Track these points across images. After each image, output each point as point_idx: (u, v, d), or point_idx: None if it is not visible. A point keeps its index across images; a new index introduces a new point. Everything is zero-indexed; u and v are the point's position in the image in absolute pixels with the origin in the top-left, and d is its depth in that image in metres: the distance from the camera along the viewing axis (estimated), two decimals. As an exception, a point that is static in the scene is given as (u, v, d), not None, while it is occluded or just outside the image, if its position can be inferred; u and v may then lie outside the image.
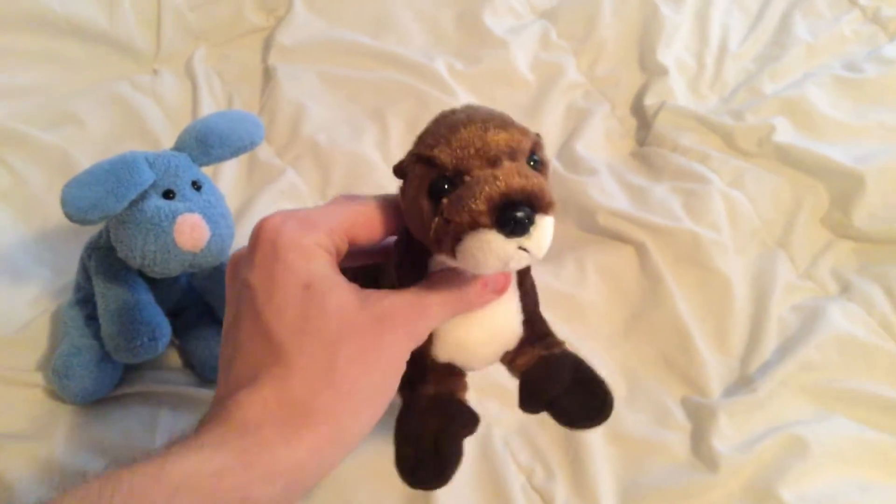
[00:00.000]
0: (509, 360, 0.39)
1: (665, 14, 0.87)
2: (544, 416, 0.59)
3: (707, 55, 0.88)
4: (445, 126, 0.32)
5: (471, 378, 0.55)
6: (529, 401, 0.39)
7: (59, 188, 0.66)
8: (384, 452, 0.37)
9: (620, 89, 0.84)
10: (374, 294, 0.32)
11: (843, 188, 0.74)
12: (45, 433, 0.52)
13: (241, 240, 0.60)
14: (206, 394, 0.56)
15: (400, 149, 0.76)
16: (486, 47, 0.83)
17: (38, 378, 0.54)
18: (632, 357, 0.64)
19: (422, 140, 0.33)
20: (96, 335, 0.52)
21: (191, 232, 0.46)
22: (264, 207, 0.68)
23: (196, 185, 0.49)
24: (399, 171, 0.34)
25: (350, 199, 0.35)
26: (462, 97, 0.79)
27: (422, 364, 0.37)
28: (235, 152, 0.52)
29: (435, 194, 0.31)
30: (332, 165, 0.73)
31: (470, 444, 0.54)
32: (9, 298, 0.59)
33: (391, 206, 0.35)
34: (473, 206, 0.30)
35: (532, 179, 0.31)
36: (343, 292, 0.31)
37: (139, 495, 0.26)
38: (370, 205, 0.35)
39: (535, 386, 0.39)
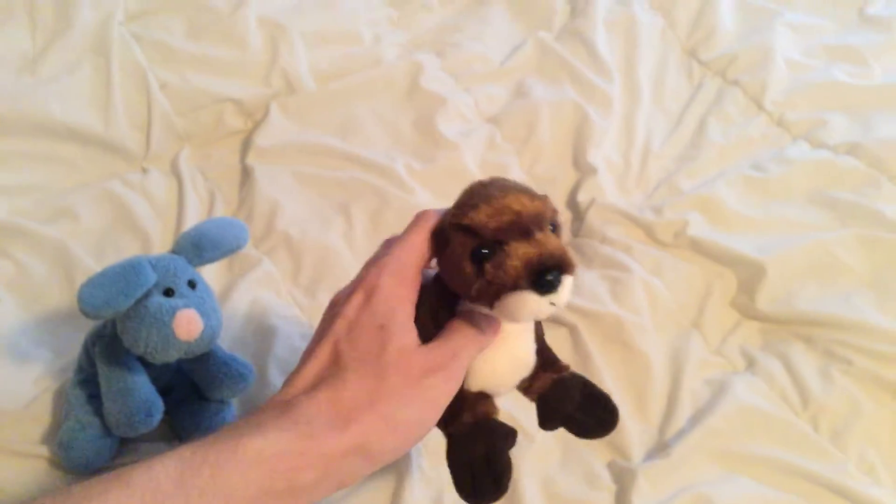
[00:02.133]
0: (525, 386, 0.46)
1: (594, 120, 0.98)
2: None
3: (633, 155, 0.99)
4: (481, 198, 0.39)
5: (426, 446, 0.63)
6: (547, 419, 0.46)
7: (58, 278, 0.75)
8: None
9: (557, 186, 0.94)
10: (436, 349, 0.39)
11: (748, 275, 0.83)
12: None
13: (223, 321, 0.68)
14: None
15: (364, 238, 0.84)
16: (440, 149, 0.93)
17: (44, 450, 0.60)
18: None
19: (460, 210, 0.40)
20: (98, 412, 0.59)
21: (187, 325, 0.54)
22: (243, 293, 0.75)
23: (191, 284, 0.57)
24: (440, 236, 0.41)
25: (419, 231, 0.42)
26: (419, 193, 0.89)
27: (458, 397, 0.42)
28: (225, 254, 0.60)
29: (476, 259, 0.38)
30: (303, 255, 0.80)
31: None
32: (14, 378, 0.65)
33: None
34: (514, 271, 0.37)
35: (558, 247, 0.38)
36: (407, 339, 0.38)
37: (222, 465, 0.32)
38: (422, 241, 0.42)
39: (552, 406, 0.46)
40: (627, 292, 0.81)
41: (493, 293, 0.38)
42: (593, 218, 0.89)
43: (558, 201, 0.93)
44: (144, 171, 0.87)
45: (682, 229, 0.88)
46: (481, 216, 0.38)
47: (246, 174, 0.88)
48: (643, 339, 0.77)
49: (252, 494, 0.33)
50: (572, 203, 0.93)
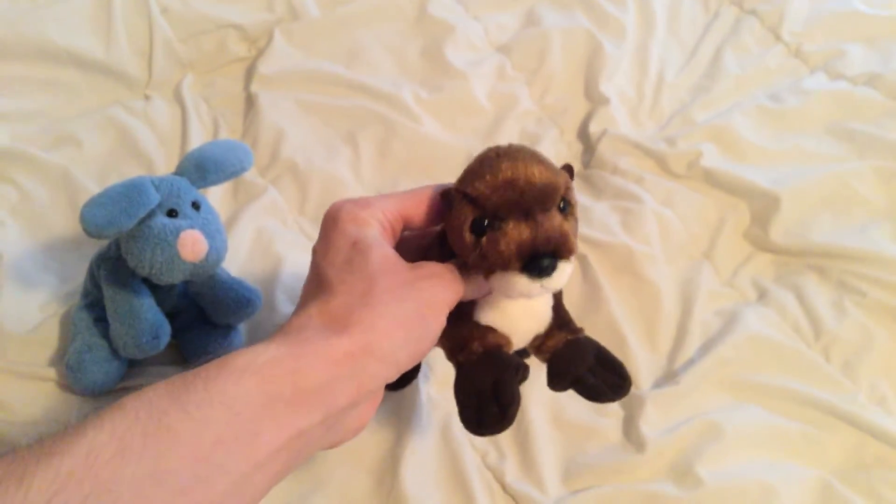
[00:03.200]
0: (538, 343, 0.45)
1: (608, 50, 0.96)
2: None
3: (646, 86, 0.97)
4: (490, 167, 0.38)
5: (434, 374, 0.63)
6: (557, 378, 0.45)
7: (62, 204, 0.74)
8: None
9: (568, 117, 0.92)
10: (415, 262, 0.39)
11: (762, 207, 0.82)
12: (57, 421, 0.58)
13: (229, 249, 0.67)
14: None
15: (371, 168, 0.83)
16: (448, 78, 0.91)
17: (51, 373, 0.60)
18: (573, 354, 0.72)
19: (468, 176, 0.39)
20: (105, 335, 0.59)
21: (192, 245, 0.53)
22: (248, 222, 0.75)
23: (195, 205, 0.56)
24: (446, 200, 0.40)
25: (408, 191, 0.43)
26: (427, 122, 0.87)
27: (468, 326, 0.42)
28: (228, 177, 0.59)
29: (476, 230, 0.38)
30: (309, 184, 0.80)
31: (432, 431, 0.63)
32: (21, 303, 0.65)
33: (436, 199, 0.42)
34: (506, 253, 0.36)
35: (558, 230, 0.37)
36: (385, 250, 0.38)
37: (213, 377, 0.32)
38: (421, 195, 0.42)
39: (563, 365, 0.45)
40: (638, 223, 0.79)
41: (487, 267, 0.38)
42: (604, 149, 0.87)
43: (570, 132, 0.91)
44: (147, 98, 0.85)
45: (696, 160, 0.86)
46: (485, 188, 0.37)
47: (250, 102, 0.87)
48: (653, 269, 0.77)
49: (256, 402, 0.32)
50: (583, 134, 0.91)
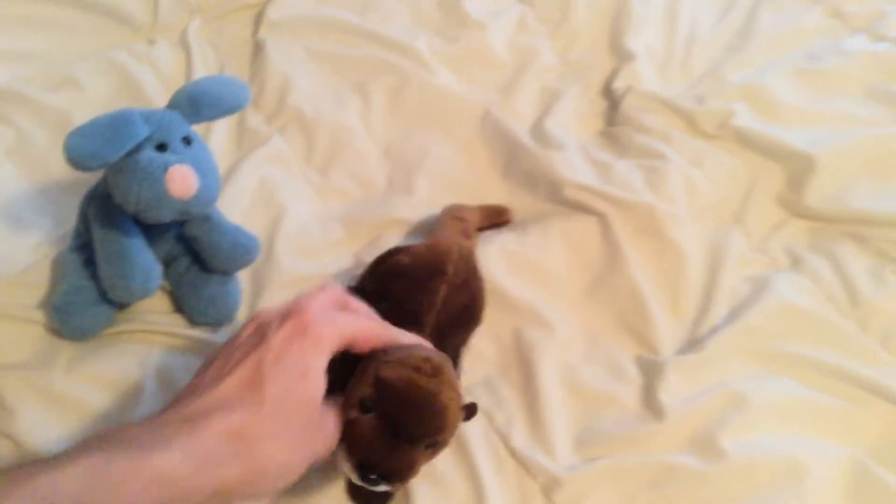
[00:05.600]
0: None
1: (635, 3, 0.91)
2: (508, 369, 0.64)
3: (676, 42, 0.92)
4: (413, 369, 0.44)
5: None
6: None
7: (60, 147, 0.71)
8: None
9: (592, 72, 0.87)
10: (326, 403, 0.41)
11: (797, 170, 0.77)
12: (45, 365, 0.56)
13: (230, 198, 0.64)
14: (193, 334, 0.60)
15: (381, 120, 0.80)
16: (466, 28, 0.87)
17: (39, 316, 0.58)
18: (592, 319, 0.68)
19: (392, 355, 0.45)
20: (93, 277, 0.56)
21: (181, 181, 0.50)
22: (251, 170, 0.71)
23: (187, 141, 0.53)
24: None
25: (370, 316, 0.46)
26: (442, 74, 0.83)
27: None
28: (223, 113, 0.56)
29: (361, 405, 0.43)
30: (316, 134, 0.76)
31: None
32: (12, 244, 0.62)
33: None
34: (354, 447, 0.42)
35: (407, 464, 0.42)
36: (319, 392, 0.40)
37: (126, 482, 0.33)
38: (382, 333, 0.45)
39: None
40: (663, 181, 0.75)
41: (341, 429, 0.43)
42: (629, 105, 0.83)
43: (593, 88, 0.87)
44: (151, 42, 0.82)
45: (727, 119, 0.81)
46: (394, 385, 0.43)
47: (257, 48, 0.83)
48: (678, 230, 0.72)
49: None
50: (608, 90, 0.86)
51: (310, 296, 0.43)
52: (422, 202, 0.74)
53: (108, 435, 0.36)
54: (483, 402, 0.61)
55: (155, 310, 0.61)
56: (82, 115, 0.72)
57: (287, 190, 0.71)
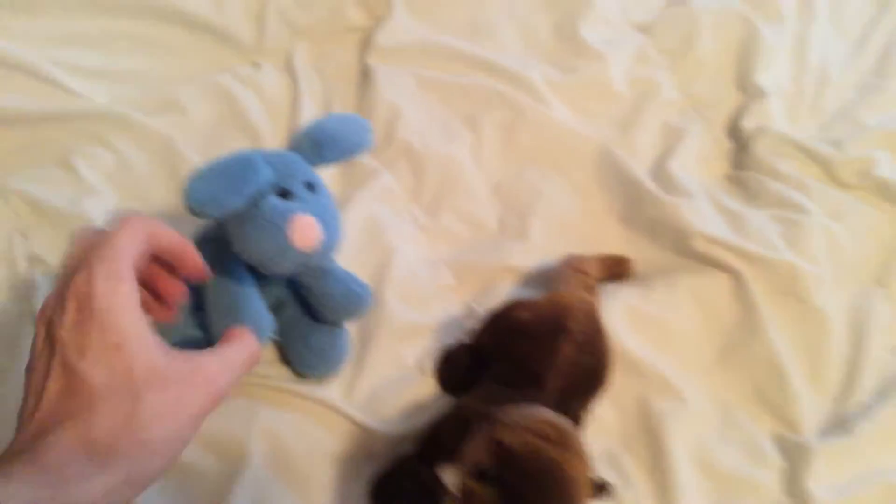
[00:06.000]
0: None
1: (765, 35, 0.84)
2: (633, 441, 0.58)
3: (806, 80, 0.85)
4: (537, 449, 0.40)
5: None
6: None
7: (162, 174, 0.68)
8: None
9: (716, 109, 0.81)
10: (181, 355, 0.36)
11: None
12: None
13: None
14: (301, 390, 0.56)
15: (492, 156, 0.75)
16: (582, 58, 0.81)
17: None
18: (724, 388, 0.62)
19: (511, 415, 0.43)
20: (202, 325, 0.52)
21: (305, 233, 0.46)
22: (358, 208, 0.67)
23: (310, 186, 0.49)
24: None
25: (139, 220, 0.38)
26: (556, 107, 0.78)
27: None
28: (346, 156, 0.52)
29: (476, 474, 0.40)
30: (425, 169, 0.72)
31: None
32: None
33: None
34: None
35: None
36: (151, 352, 0.34)
37: None
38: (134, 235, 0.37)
39: None
40: (804, 237, 0.69)
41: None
42: (760, 148, 0.77)
43: (719, 127, 0.80)
44: (256, 65, 0.79)
45: (868, 168, 0.75)
46: (511, 447, 0.40)
47: (365, 75, 0.79)
48: (820, 294, 0.66)
49: None
50: (734, 130, 0.80)
51: (76, 258, 0.36)
52: (536, 248, 0.69)
53: None
54: (607, 478, 0.55)
55: (263, 362, 0.57)
56: (185, 140, 0.70)
57: (395, 230, 0.67)
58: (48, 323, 0.35)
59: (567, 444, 0.40)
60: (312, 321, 0.57)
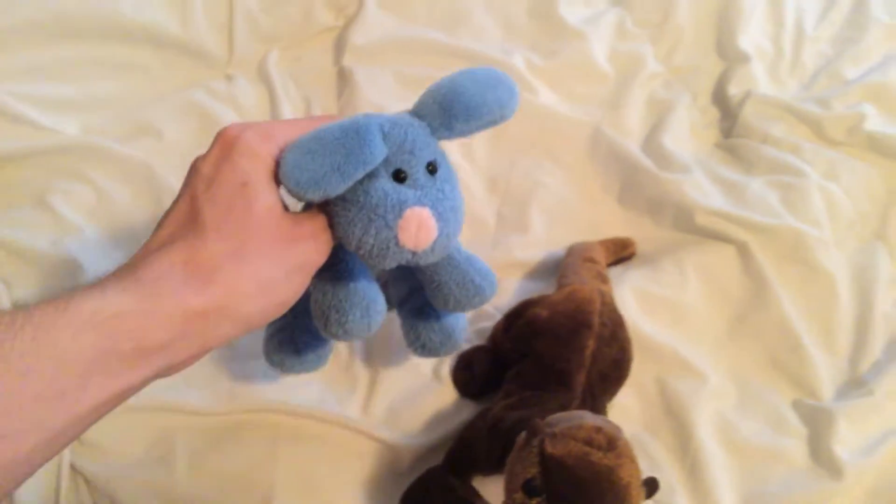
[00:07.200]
0: None
1: (741, -2, 0.84)
2: (658, 426, 0.58)
3: (784, 39, 0.84)
4: (587, 452, 0.40)
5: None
6: None
7: (144, 203, 0.66)
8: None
9: (700, 77, 0.80)
10: (297, 213, 0.37)
11: None
12: (163, 462, 0.52)
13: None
14: (318, 412, 0.54)
15: (483, 150, 0.73)
16: (563, 39, 0.79)
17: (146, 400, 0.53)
18: (739, 360, 0.62)
19: (562, 423, 0.42)
20: (297, 312, 0.44)
21: (417, 230, 0.38)
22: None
23: (431, 168, 0.40)
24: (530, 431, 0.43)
25: (322, 117, 0.39)
26: (542, 92, 0.76)
27: None
28: (483, 126, 0.41)
29: (527, 488, 0.40)
30: (416, 170, 0.70)
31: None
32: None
33: None
34: None
35: None
36: (273, 198, 0.35)
37: (47, 327, 0.28)
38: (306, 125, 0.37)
39: None
40: (803, 201, 0.69)
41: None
42: (750, 114, 0.76)
43: (704, 95, 0.79)
44: (229, 78, 0.76)
45: (857, 124, 0.75)
46: (558, 457, 0.39)
47: (342, 77, 0.77)
48: (826, 256, 0.67)
49: (90, 356, 0.29)
50: (719, 97, 0.79)
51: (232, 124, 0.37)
52: (537, 239, 0.68)
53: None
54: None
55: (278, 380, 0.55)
56: (164, 164, 0.68)
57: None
58: (193, 162, 0.36)
59: (616, 449, 0.39)
60: (423, 303, 0.48)
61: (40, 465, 0.30)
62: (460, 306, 0.45)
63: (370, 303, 0.41)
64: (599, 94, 0.77)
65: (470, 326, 0.62)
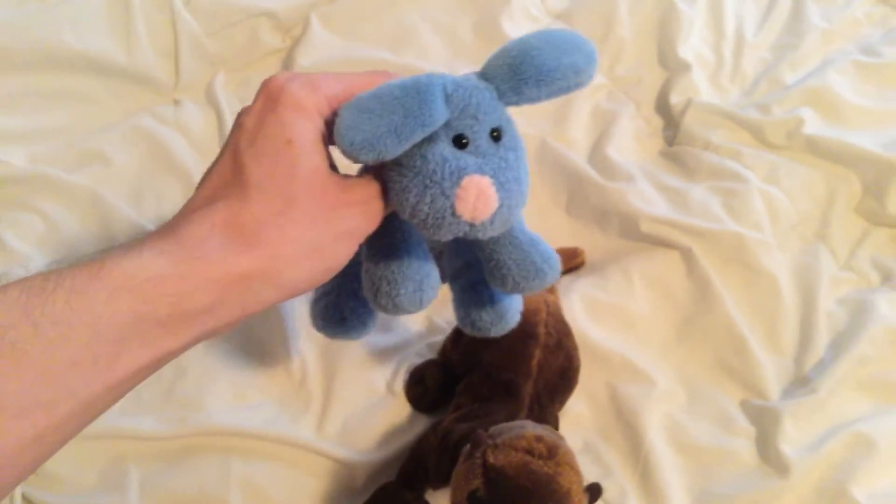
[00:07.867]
0: None
1: (681, 8, 0.85)
2: (609, 432, 0.59)
3: (724, 47, 0.87)
4: (528, 461, 0.41)
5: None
6: None
7: (93, 230, 0.65)
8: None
9: (643, 88, 0.82)
10: (349, 177, 0.35)
11: (875, 176, 0.74)
12: (116, 489, 0.51)
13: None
14: (271, 433, 0.55)
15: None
16: (508, 54, 0.81)
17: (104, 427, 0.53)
18: (687, 363, 0.64)
19: (504, 434, 0.43)
20: (356, 278, 0.43)
21: (475, 200, 0.35)
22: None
23: (495, 134, 0.37)
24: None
25: (376, 73, 0.36)
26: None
27: None
28: (556, 92, 0.38)
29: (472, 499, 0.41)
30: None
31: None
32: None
33: None
34: None
35: None
36: (319, 158, 0.33)
37: (80, 291, 0.27)
38: (375, 79, 0.35)
39: None
40: (744, 205, 0.70)
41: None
42: (691, 121, 0.78)
43: (647, 105, 0.81)
44: (176, 102, 0.76)
45: (796, 128, 0.77)
46: (500, 467, 0.40)
47: (291, 99, 0.77)
48: (768, 259, 0.68)
49: (125, 322, 0.28)
50: (663, 106, 0.81)
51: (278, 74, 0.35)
52: (487, 251, 0.68)
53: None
54: (589, 473, 0.56)
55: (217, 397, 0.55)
56: (113, 191, 0.68)
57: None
58: (237, 115, 0.34)
59: (556, 457, 0.40)
60: (479, 280, 0.46)
61: (73, 435, 0.28)
62: (518, 288, 0.42)
63: (424, 277, 0.39)
64: (545, 108, 0.78)
65: (421, 340, 0.63)
